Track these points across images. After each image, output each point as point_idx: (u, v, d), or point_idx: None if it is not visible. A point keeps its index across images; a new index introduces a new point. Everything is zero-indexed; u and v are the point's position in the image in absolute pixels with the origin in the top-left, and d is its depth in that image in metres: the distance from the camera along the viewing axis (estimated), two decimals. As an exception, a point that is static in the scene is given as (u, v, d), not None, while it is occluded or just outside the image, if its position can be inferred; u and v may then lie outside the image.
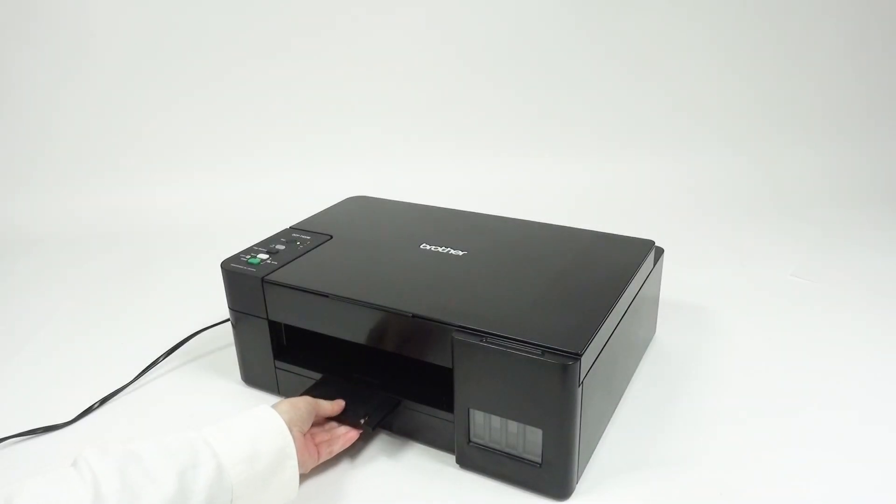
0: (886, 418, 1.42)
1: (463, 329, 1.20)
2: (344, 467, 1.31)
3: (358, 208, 1.83)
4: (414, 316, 1.26)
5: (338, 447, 1.29)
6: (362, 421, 1.30)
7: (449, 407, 1.26)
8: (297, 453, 1.16)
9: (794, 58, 2.89)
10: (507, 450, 1.23)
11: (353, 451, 1.35)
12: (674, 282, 1.84)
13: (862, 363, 1.61)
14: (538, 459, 1.20)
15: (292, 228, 1.66)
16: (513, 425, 1.20)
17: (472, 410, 1.23)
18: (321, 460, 1.27)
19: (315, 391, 1.38)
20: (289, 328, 1.48)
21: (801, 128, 2.95)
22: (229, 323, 1.54)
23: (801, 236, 2.38)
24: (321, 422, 1.33)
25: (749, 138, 2.94)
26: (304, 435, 1.24)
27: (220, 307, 1.63)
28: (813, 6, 2.83)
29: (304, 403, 1.26)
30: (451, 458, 1.31)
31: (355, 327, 1.34)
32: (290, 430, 1.17)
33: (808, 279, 2.04)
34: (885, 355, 1.64)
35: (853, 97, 2.95)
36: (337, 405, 1.33)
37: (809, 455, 1.32)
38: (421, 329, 1.26)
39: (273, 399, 1.49)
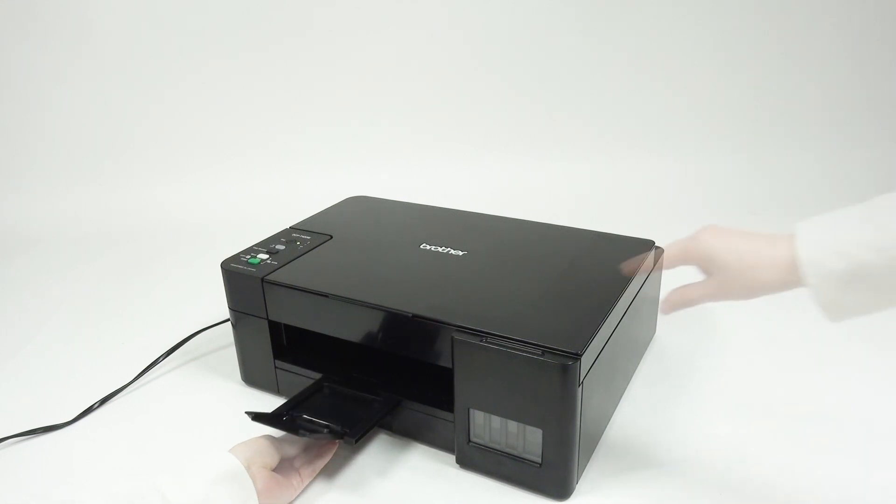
0: (888, 419, 1.42)
1: (463, 329, 1.20)
2: (344, 467, 1.32)
3: (358, 208, 1.83)
4: (414, 316, 1.26)
5: (320, 462, 1.27)
6: (343, 439, 1.26)
7: (449, 407, 1.26)
8: (264, 491, 1.14)
9: (794, 58, 2.90)
10: (506, 450, 1.23)
11: (352, 451, 1.36)
12: (674, 282, 1.84)
13: (863, 363, 1.61)
14: (538, 459, 1.20)
15: (292, 228, 1.66)
16: (513, 425, 1.20)
17: (472, 410, 1.23)
18: (306, 482, 1.25)
19: (309, 395, 1.38)
20: (289, 328, 1.48)
21: (801, 128, 2.96)
22: (229, 323, 1.54)
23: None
24: (296, 451, 1.29)
25: (748, 138, 2.94)
26: (275, 468, 1.21)
27: (220, 307, 1.63)
28: (813, 6, 2.84)
29: (263, 439, 1.22)
30: (451, 457, 1.31)
31: (355, 327, 1.35)
32: (249, 469, 1.14)
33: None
34: (887, 355, 1.64)
35: (853, 97, 2.95)
36: (300, 444, 1.29)
37: (810, 455, 1.32)
38: (421, 329, 1.26)
39: (274, 399, 1.49)
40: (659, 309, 1.31)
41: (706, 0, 2.82)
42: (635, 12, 2.82)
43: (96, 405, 1.51)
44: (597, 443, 1.35)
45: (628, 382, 1.54)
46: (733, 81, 2.92)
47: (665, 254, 1.18)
